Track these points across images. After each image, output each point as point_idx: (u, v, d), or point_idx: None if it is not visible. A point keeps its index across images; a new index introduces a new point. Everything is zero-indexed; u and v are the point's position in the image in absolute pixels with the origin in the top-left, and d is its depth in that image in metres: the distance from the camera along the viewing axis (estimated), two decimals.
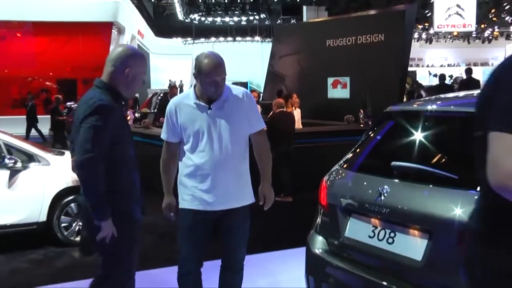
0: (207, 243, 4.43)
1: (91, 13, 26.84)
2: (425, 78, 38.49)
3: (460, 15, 30.12)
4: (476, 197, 3.14)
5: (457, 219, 3.13)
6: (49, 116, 19.98)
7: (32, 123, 20.89)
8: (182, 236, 4.39)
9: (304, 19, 29.56)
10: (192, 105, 4.24)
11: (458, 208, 3.16)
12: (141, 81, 3.99)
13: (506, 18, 40.77)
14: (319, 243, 4.04)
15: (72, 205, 7.70)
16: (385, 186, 3.56)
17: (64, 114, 18.29)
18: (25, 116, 21.23)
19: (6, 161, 7.24)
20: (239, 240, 4.47)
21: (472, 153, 3.61)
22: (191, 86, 4.37)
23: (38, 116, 21.75)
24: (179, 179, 4.34)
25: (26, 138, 18.40)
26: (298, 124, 12.33)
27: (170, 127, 4.25)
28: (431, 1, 30.75)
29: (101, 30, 28.18)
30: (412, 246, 3.36)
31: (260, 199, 4.44)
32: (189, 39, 42.64)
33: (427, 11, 32.81)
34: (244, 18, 40.97)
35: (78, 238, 7.49)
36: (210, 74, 4.14)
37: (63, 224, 7.65)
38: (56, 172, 7.67)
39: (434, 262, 3.23)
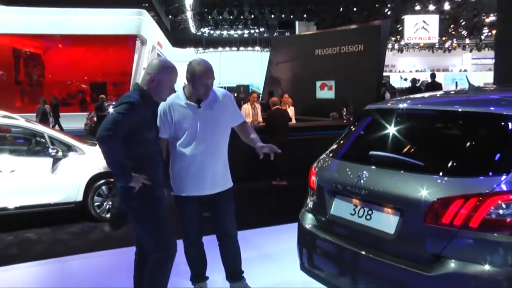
0: (202, 221, 4.51)
1: (119, 27, 26.97)
2: (397, 81, 38.64)
3: (425, 29, 30.19)
4: (438, 180, 3.17)
5: (423, 199, 3.12)
6: (84, 113, 20.18)
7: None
8: (182, 218, 4.46)
9: (297, 32, 29.51)
10: (183, 105, 4.24)
11: (424, 189, 3.15)
12: (168, 87, 3.95)
13: (462, 32, 41.10)
14: (309, 220, 4.03)
15: (103, 187, 7.74)
16: (364, 172, 3.55)
17: (105, 110, 18.33)
18: (66, 113, 21.41)
19: (50, 150, 7.35)
20: (229, 216, 4.54)
21: (435, 144, 3.63)
22: (183, 88, 4.36)
23: (75, 114, 22.41)
24: (173, 170, 4.31)
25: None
26: (293, 120, 12.34)
27: (163, 124, 4.19)
28: (402, 18, 30.78)
29: (127, 42, 28.26)
30: (386, 221, 3.34)
31: (263, 151, 4.35)
32: (200, 49, 42.80)
33: (398, 26, 32.82)
34: (246, 31, 40.98)
35: (108, 215, 7.44)
36: (202, 78, 4.17)
37: (96, 203, 7.73)
38: (90, 160, 7.70)
39: (404, 235, 3.22)
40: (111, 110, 3.83)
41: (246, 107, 12.96)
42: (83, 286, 5.23)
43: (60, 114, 22.39)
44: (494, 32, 17.92)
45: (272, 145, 4.41)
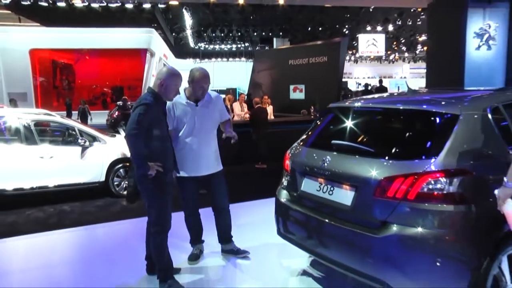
0: (198, 195, 4.51)
1: (133, 42, 26.93)
2: (353, 86, 38.69)
3: (375, 45, 30.25)
4: (385, 163, 3.18)
5: (373, 178, 3.12)
6: (106, 111, 20.21)
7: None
8: (183, 193, 4.47)
9: (274, 47, 29.35)
10: (184, 103, 4.28)
11: (374, 170, 3.15)
12: (174, 90, 3.91)
13: (402, 48, 41.44)
14: (284, 195, 4.02)
15: (121, 170, 7.73)
16: (327, 157, 3.54)
17: (128, 109, 18.31)
18: (92, 111, 21.44)
19: (79, 141, 7.41)
20: (222, 192, 4.56)
21: (383, 134, 3.63)
22: (184, 90, 4.35)
23: (97, 112, 22.42)
24: (176, 156, 4.25)
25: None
26: (271, 116, 12.31)
27: (168, 119, 4.18)
28: (357, 36, 30.82)
29: (140, 54, 28.11)
30: (344, 196, 3.34)
31: (228, 135, 4.50)
32: (197, 60, 42.51)
33: (354, 42, 32.88)
34: (234, 46, 40.88)
35: (125, 192, 7.47)
36: (200, 82, 4.21)
37: (115, 183, 7.70)
38: (110, 148, 7.71)
39: (358, 206, 3.23)
40: (134, 111, 3.79)
41: (236, 105, 13.00)
42: (106, 247, 5.23)
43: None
44: (425, 48, 18.09)
45: (235, 134, 4.51)
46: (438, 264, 2.89)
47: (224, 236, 4.70)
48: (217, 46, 41.65)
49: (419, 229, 2.90)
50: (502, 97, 3.61)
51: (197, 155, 4.32)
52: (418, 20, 27.80)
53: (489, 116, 3.25)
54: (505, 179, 2.69)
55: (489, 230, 2.96)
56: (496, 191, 2.77)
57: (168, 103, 4.19)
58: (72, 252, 5.19)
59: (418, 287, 2.97)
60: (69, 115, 20.89)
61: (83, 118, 20.17)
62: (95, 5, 20.45)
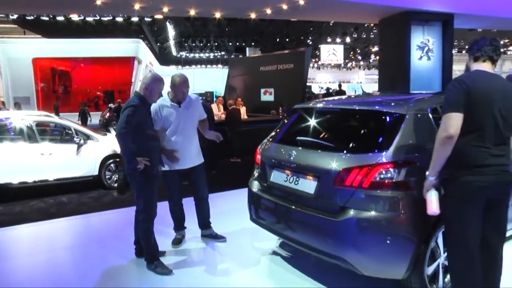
0: (182, 186, 4.46)
1: (123, 51, 26.71)
2: (316, 89, 38.83)
3: (334, 54, 30.35)
4: (343, 156, 3.19)
5: (333, 169, 3.13)
6: (99, 112, 19.94)
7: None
8: (168, 186, 4.41)
9: (247, 55, 29.30)
10: (169, 105, 4.22)
11: (334, 163, 3.16)
12: (157, 93, 3.90)
13: (358, 57, 41.82)
14: (255, 185, 4.00)
15: (112, 164, 7.61)
16: (293, 151, 3.54)
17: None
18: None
19: (75, 139, 7.31)
20: (203, 183, 4.52)
21: (341, 131, 3.65)
22: (167, 93, 4.31)
23: (92, 113, 21.95)
24: (163, 153, 4.22)
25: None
26: (245, 116, 12.26)
27: (156, 120, 4.14)
28: (319, 46, 30.96)
29: (129, 62, 27.78)
30: (308, 185, 3.34)
31: (212, 137, 4.52)
32: (179, 66, 42.07)
33: (317, 51, 33.01)
34: (212, 54, 40.69)
35: (115, 185, 7.39)
36: (180, 87, 4.16)
37: (107, 176, 7.59)
38: (102, 145, 7.60)
39: (320, 194, 3.23)
40: (123, 112, 3.75)
41: (214, 106, 12.96)
42: (100, 234, 5.17)
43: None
44: (377, 57, 18.40)
45: (218, 133, 4.52)
46: (388, 241, 2.94)
47: (204, 222, 4.67)
48: (196, 55, 41.40)
49: (373, 213, 2.94)
50: (439, 99, 3.64)
51: (182, 150, 4.27)
52: (371, 33, 28.16)
53: (430, 115, 3.32)
54: (427, 172, 2.71)
55: None
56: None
57: (155, 106, 4.15)
58: (70, 238, 5.11)
59: (372, 261, 3.00)
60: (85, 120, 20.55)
61: (83, 119, 19.79)
62: (89, 19, 20.43)
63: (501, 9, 11.95)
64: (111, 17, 20.00)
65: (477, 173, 2.57)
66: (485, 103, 2.55)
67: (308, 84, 27.98)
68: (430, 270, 3.12)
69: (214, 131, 4.59)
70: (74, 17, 19.53)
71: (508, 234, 3.23)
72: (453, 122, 2.52)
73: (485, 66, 2.71)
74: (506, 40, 29.97)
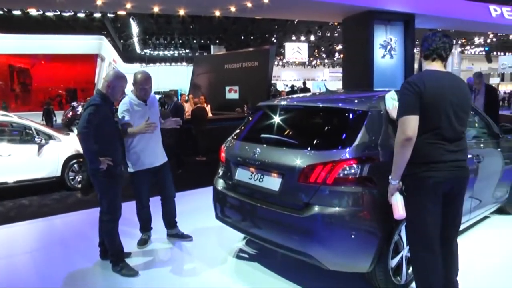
0: (150, 187, 4.40)
1: (85, 48, 26.09)
2: (281, 87, 39.00)
3: (299, 52, 30.58)
4: (307, 153, 3.22)
5: (298, 166, 3.15)
6: (61, 111, 19.16)
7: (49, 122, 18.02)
8: (139, 186, 4.33)
9: (212, 53, 29.13)
10: (137, 103, 4.16)
11: (298, 160, 3.17)
12: (120, 91, 3.81)
13: (323, 55, 42.36)
14: (220, 183, 3.97)
15: (75, 165, 7.38)
16: (258, 149, 3.54)
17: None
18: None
19: (36, 139, 7.04)
20: (170, 181, 4.48)
21: (305, 129, 3.68)
22: (131, 91, 4.25)
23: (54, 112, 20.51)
24: (130, 151, 4.16)
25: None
26: (209, 114, 12.20)
27: (129, 112, 4.09)
28: (284, 44, 31.14)
29: (92, 59, 27.21)
30: (273, 182, 3.34)
31: (172, 125, 4.47)
32: (143, 64, 41.43)
33: (281, 49, 33.19)
34: (176, 52, 40.29)
35: (79, 185, 7.24)
36: (142, 84, 4.10)
37: (70, 177, 7.35)
38: (65, 145, 7.34)
39: (285, 191, 3.24)
40: (84, 111, 3.67)
41: (187, 105, 12.95)
42: (63, 236, 4.99)
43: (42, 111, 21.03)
44: (341, 55, 18.68)
45: (175, 119, 4.50)
46: (352, 236, 2.98)
47: (170, 221, 4.61)
48: (161, 52, 40.90)
49: (337, 208, 2.97)
50: None
51: (152, 148, 4.24)
52: (335, 32, 28.53)
53: None
54: (390, 177, 2.77)
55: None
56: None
57: (126, 100, 4.12)
58: (31, 242, 4.90)
59: (337, 256, 3.04)
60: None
61: (48, 119, 18.10)
62: (49, 14, 19.51)
63: (458, 11, 12.48)
64: (72, 12, 19.33)
65: (434, 169, 2.66)
66: (437, 103, 2.64)
67: (273, 82, 28.15)
68: (393, 262, 3.20)
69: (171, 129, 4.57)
70: (33, 11, 18.66)
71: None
72: (410, 124, 2.59)
73: (435, 65, 2.79)
74: (464, 40, 31.03)
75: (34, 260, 4.26)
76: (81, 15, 19.61)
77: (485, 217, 4.94)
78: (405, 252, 3.28)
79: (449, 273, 2.88)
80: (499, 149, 4.50)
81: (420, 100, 2.61)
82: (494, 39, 30.24)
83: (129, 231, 4.62)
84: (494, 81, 39.05)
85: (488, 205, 4.54)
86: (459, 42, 32.54)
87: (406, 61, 11.83)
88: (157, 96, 4.54)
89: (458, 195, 2.82)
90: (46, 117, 18.21)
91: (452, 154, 2.69)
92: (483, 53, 37.35)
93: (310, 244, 3.04)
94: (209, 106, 12.42)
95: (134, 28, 27.55)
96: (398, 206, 2.73)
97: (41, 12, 19.06)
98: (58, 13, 19.36)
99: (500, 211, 5.08)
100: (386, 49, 11.49)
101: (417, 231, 2.76)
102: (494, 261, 3.85)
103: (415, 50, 13.18)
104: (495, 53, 38.36)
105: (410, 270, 3.37)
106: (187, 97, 14.20)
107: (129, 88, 4.18)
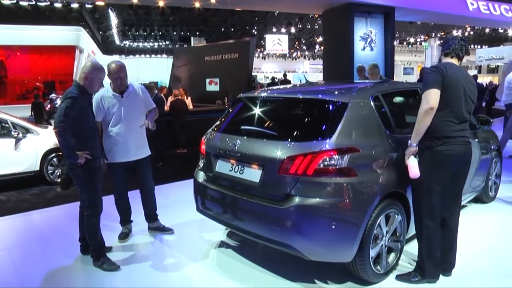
0: (127, 179, 4.35)
1: (63, 40, 25.40)
2: (262, 79, 38.96)
3: (280, 44, 30.43)
4: (287, 145, 3.22)
5: (278, 158, 3.15)
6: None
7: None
8: (113, 178, 4.30)
9: (192, 45, 28.83)
10: (111, 96, 4.09)
11: (278, 151, 3.18)
12: (98, 83, 3.73)
13: (303, 47, 42.39)
14: (201, 176, 3.95)
15: (54, 159, 7.24)
16: (238, 141, 3.53)
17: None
18: (23, 105, 19.58)
19: (12, 133, 6.88)
20: (148, 176, 4.44)
21: (285, 120, 3.68)
22: (110, 84, 4.17)
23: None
24: (105, 144, 4.11)
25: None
26: (190, 106, 12.11)
27: (98, 111, 4.01)
28: (264, 36, 31.01)
29: (70, 51, 26.55)
30: (253, 174, 3.34)
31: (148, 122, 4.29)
32: (123, 56, 40.69)
33: (262, 41, 33.07)
34: (156, 44, 39.80)
35: (59, 180, 7.09)
36: (117, 73, 4.03)
37: (49, 171, 7.22)
38: (43, 139, 7.18)
39: (265, 182, 3.25)
40: (61, 104, 3.58)
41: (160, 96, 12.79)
42: (42, 232, 4.90)
43: (21, 105, 20.35)
44: (322, 48, 18.79)
45: (153, 124, 4.32)
46: (333, 226, 3.01)
47: (150, 215, 4.59)
48: (140, 44, 40.32)
49: (317, 199, 2.99)
50: (381, 88, 3.81)
51: (126, 142, 4.15)
52: (316, 24, 28.57)
53: (371, 103, 3.43)
54: (409, 141, 3.16)
55: (372, 196, 3.12)
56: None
57: (97, 97, 4.01)
58: (9, 239, 4.78)
59: (318, 246, 3.07)
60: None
61: (38, 115, 15.01)
62: (23, 3, 18.79)
63: (437, 4, 12.64)
64: (49, 2, 18.79)
65: (447, 143, 3.12)
66: (454, 87, 3.10)
67: (254, 74, 28.05)
68: (374, 252, 3.24)
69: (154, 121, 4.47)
70: (5, 1, 17.94)
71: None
72: (433, 96, 3.04)
73: (452, 61, 3.26)
74: (442, 33, 31.43)
75: (12, 258, 4.16)
76: (58, 5, 19.11)
77: (462, 206, 5.04)
78: (385, 241, 3.33)
79: (449, 238, 3.36)
80: (476, 140, 4.58)
81: (442, 80, 3.06)
82: (472, 32, 30.71)
83: (109, 225, 4.57)
84: (471, 73, 39.61)
85: (466, 194, 4.63)
86: (438, 35, 32.96)
87: (386, 53, 11.94)
88: None
89: (462, 172, 3.31)
90: (35, 112, 15.30)
91: (460, 132, 3.17)
92: None
93: (291, 235, 3.06)
94: (189, 98, 12.33)
95: (113, 19, 27.08)
96: (414, 166, 3.13)
97: (15, 1, 18.28)
98: (34, 2, 18.77)
99: (476, 200, 5.20)
100: (366, 42, 11.56)
101: (426, 201, 3.19)
102: (470, 248, 3.93)
103: (395, 43, 13.31)
104: (472, 46, 38.98)
105: (390, 259, 3.44)
106: (167, 90, 14.07)
107: (108, 80, 4.11)
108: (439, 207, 3.22)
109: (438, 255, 3.29)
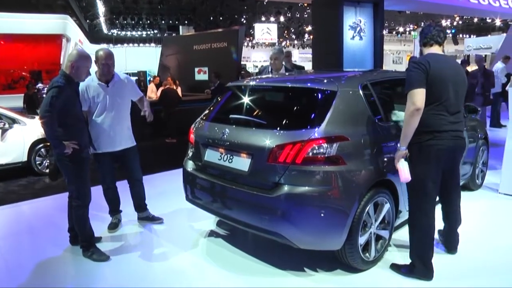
0: (114, 169, 4.34)
1: (49, 28, 24.94)
2: (251, 68, 38.78)
3: (269, 33, 30.29)
4: (276, 133, 3.22)
5: (267, 146, 3.15)
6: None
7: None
8: (100, 168, 4.28)
9: (181, 33, 28.58)
10: (96, 85, 4.05)
11: (267, 140, 3.17)
12: (84, 72, 3.66)
13: (292, 36, 42.28)
14: (190, 165, 3.93)
15: (42, 149, 7.18)
16: (226, 129, 3.52)
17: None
18: (10, 95, 19.30)
19: None
20: (136, 166, 4.42)
21: (274, 108, 3.67)
22: (95, 72, 4.12)
23: (18, 95, 17.51)
24: (92, 134, 4.04)
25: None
26: (180, 95, 12.08)
27: (82, 100, 3.94)
28: (253, 25, 30.86)
29: (56, 39, 26.12)
30: (242, 163, 3.34)
31: (146, 115, 4.37)
32: (111, 45, 40.18)
33: (251, 30, 32.94)
34: (144, 32, 39.50)
35: (47, 170, 7.01)
36: (103, 59, 3.97)
37: (37, 162, 7.17)
38: (30, 129, 7.11)
39: (254, 171, 3.24)
40: (47, 93, 3.51)
41: (152, 86, 12.81)
42: (31, 223, 4.86)
43: (7, 95, 20.06)
44: (311, 37, 18.71)
45: (151, 114, 4.39)
46: (322, 215, 3.02)
47: (139, 204, 4.58)
48: (128, 33, 39.98)
49: (306, 188, 2.99)
50: (370, 76, 3.82)
51: (111, 132, 4.12)
52: (305, 13, 28.52)
53: (360, 92, 3.43)
54: (398, 144, 3.09)
55: (361, 184, 3.14)
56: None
57: (81, 86, 3.94)
58: None
59: (307, 235, 3.08)
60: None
61: (31, 107, 13.04)
62: None
63: None
64: None
65: (437, 137, 3.05)
66: (441, 80, 3.01)
67: (243, 63, 27.93)
68: (362, 239, 3.27)
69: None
70: None
71: None
72: (418, 96, 2.95)
73: (434, 50, 3.18)
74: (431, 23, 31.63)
75: (0, 249, 4.12)
76: None
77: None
78: (373, 229, 3.36)
79: (453, 223, 3.55)
80: (464, 128, 4.61)
81: (426, 76, 2.97)
82: (460, 22, 30.90)
83: (99, 215, 4.55)
84: (470, 67, 39.97)
85: None
86: (427, 24, 33.04)
87: (375, 42, 11.94)
88: (133, 78, 4.41)
89: (456, 161, 3.30)
90: (27, 105, 13.68)
91: (452, 125, 3.08)
92: (450, 35, 38.17)
93: (280, 224, 3.07)
94: (179, 87, 12.26)
95: (100, 8, 26.74)
96: (405, 170, 3.03)
97: None
98: None
99: (463, 187, 5.25)
100: (356, 31, 11.54)
101: (419, 192, 3.14)
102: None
103: (384, 32, 13.31)
104: (461, 35, 39.20)
105: (378, 246, 3.47)
106: (158, 80, 13.99)
107: (94, 68, 4.05)
108: (433, 198, 3.16)
109: (431, 255, 3.21)
